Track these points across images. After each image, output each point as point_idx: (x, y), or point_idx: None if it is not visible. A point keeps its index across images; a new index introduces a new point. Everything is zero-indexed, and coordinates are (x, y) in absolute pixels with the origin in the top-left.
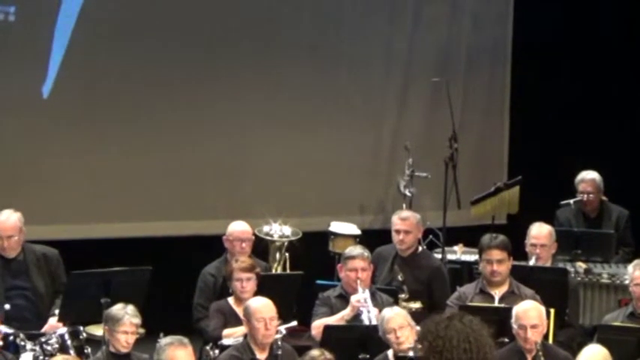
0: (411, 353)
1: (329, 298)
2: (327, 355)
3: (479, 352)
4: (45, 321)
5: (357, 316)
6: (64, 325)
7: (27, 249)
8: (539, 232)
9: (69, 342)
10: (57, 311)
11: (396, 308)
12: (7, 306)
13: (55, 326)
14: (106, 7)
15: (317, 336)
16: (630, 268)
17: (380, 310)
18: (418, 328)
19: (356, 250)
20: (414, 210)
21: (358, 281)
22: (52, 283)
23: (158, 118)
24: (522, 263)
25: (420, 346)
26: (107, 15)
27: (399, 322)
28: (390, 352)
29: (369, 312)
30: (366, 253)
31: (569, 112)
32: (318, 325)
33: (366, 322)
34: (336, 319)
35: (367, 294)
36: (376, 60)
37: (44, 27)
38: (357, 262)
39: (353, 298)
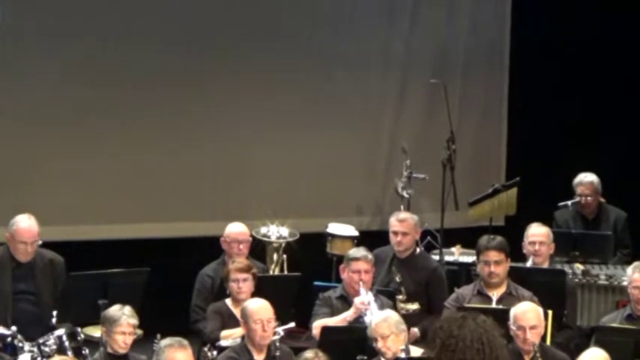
0: (402, 355)
1: (330, 298)
2: (321, 355)
3: (491, 352)
4: (47, 327)
5: (358, 318)
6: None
7: (37, 253)
8: (538, 230)
9: (67, 343)
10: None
11: (386, 313)
12: (13, 328)
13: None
14: (105, 7)
15: (318, 336)
16: (629, 270)
17: None
18: (415, 329)
19: (359, 252)
20: (412, 211)
21: (360, 283)
22: (55, 290)
23: (155, 119)
24: (520, 265)
25: (432, 344)
26: (106, 16)
27: (381, 331)
28: None
29: (372, 314)
30: (370, 256)
31: (567, 114)
32: (319, 325)
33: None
34: (339, 320)
35: (371, 296)
36: (374, 61)
37: (43, 27)
38: (360, 264)
39: (357, 300)
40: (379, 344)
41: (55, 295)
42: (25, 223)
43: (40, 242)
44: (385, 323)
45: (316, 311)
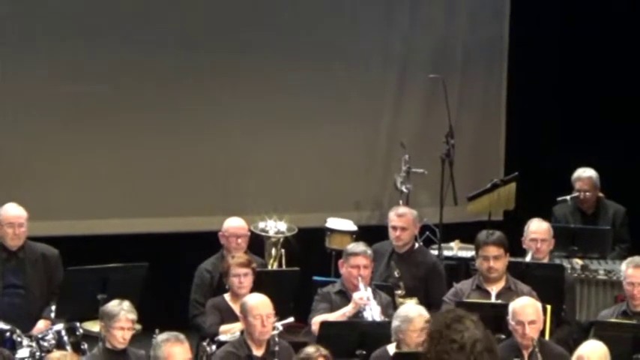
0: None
1: (329, 293)
2: (323, 351)
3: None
4: (35, 322)
5: (357, 313)
6: (54, 323)
7: (28, 246)
8: (539, 227)
9: (65, 338)
10: (52, 314)
11: (421, 309)
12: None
13: (42, 329)
14: (104, 5)
15: (317, 332)
16: (623, 266)
17: (382, 308)
18: None
19: (359, 247)
20: (411, 206)
21: (359, 278)
22: (48, 284)
23: (155, 115)
24: (519, 259)
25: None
26: (107, 14)
27: (419, 326)
28: (390, 347)
29: (371, 309)
30: (369, 251)
31: (566, 109)
32: (318, 321)
33: (369, 319)
34: (338, 315)
35: (370, 291)
36: (373, 56)
37: (43, 26)
38: (359, 259)
39: (356, 296)
40: (416, 335)
41: (50, 289)
42: (11, 206)
43: (25, 226)
44: (422, 318)
45: (315, 307)
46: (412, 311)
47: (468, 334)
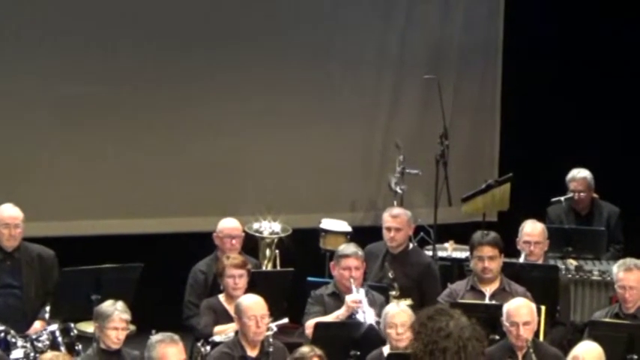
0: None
1: (322, 296)
2: (317, 351)
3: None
4: (31, 322)
5: (351, 316)
6: (48, 324)
7: (24, 247)
8: (533, 229)
9: (60, 339)
10: (47, 315)
11: (402, 305)
12: None
13: (39, 330)
14: (103, 6)
15: (311, 335)
16: (615, 268)
17: (375, 310)
18: None
19: (349, 248)
20: (405, 207)
21: (351, 280)
22: (43, 285)
23: (150, 115)
24: (513, 260)
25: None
26: (103, 14)
27: (402, 319)
28: (385, 349)
29: (364, 312)
30: (360, 252)
31: (560, 110)
32: (312, 324)
33: (362, 322)
34: (331, 318)
35: (362, 293)
36: (368, 57)
37: (43, 26)
38: (350, 260)
39: (348, 298)
40: (394, 332)
41: (45, 290)
42: (7, 207)
43: (21, 227)
44: (403, 313)
45: (308, 310)
46: (385, 310)
47: (453, 322)
